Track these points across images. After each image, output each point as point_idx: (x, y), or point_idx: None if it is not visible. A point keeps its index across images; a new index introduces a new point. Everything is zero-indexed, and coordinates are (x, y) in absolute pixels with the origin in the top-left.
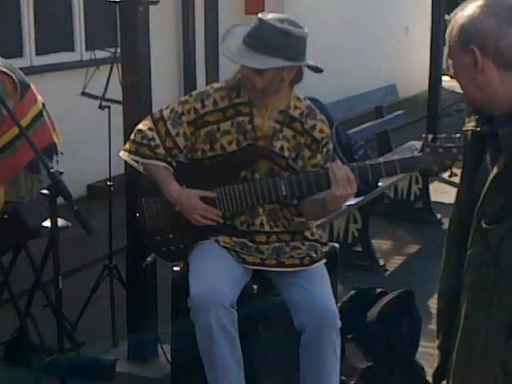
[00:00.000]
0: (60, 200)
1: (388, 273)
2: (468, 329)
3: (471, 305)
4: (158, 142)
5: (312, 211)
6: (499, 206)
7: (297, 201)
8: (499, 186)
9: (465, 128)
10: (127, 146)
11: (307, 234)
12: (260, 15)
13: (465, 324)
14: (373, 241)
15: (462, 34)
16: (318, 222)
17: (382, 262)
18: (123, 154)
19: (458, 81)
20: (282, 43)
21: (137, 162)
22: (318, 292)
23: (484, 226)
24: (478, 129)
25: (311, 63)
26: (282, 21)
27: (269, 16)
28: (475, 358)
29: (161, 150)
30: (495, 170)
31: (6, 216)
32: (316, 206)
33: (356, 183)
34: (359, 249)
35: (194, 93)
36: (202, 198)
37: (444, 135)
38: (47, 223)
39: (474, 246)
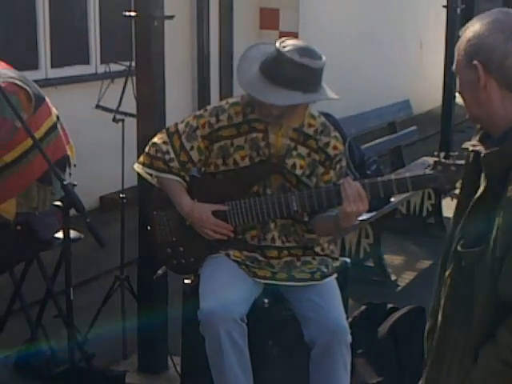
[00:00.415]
0: (72, 211)
1: (399, 288)
2: (439, 350)
3: (443, 326)
4: (172, 155)
5: (324, 228)
6: (476, 230)
7: (308, 217)
8: (478, 210)
9: (463, 146)
10: (141, 159)
11: (317, 249)
12: (278, 45)
13: (437, 344)
14: (385, 256)
15: (468, 49)
16: (330, 238)
17: (393, 277)
18: (137, 167)
19: (462, 96)
20: (301, 77)
21: (150, 175)
22: (329, 307)
23: (459, 248)
24: (471, 148)
25: (328, 95)
26: (300, 53)
27: (287, 47)
28: (441, 379)
29: (175, 164)
30: (478, 194)
31: (18, 227)
32: (328, 223)
33: (367, 200)
34: (371, 264)
35: (209, 107)
36: (214, 212)
37: (456, 153)
38: (59, 234)
39: (451, 268)
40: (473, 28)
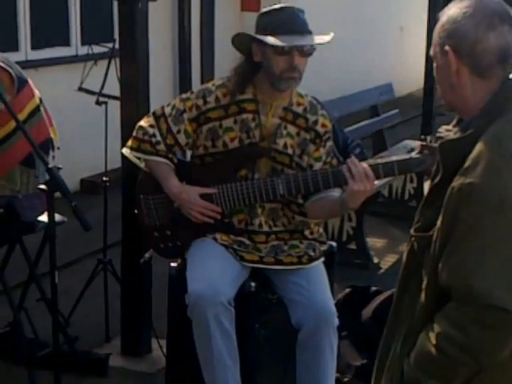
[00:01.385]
0: (55, 194)
1: (382, 271)
2: (389, 328)
3: (394, 305)
4: (159, 138)
5: (323, 209)
6: (430, 215)
7: (302, 199)
8: (434, 197)
9: (438, 131)
10: (129, 143)
11: (306, 232)
12: (266, 10)
13: (388, 322)
14: (367, 239)
15: (441, 34)
16: (319, 221)
17: (376, 260)
18: (125, 151)
19: (437, 81)
20: (306, 20)
21: (139, 158)
22: (316, 291)
23: (412, 232)
24: (437, 134)
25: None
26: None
27: (275, 6)
28: (390, 356)
29: (162, 147)
30: (435, 180)
31: (1, 210)
32: (331, 204)
33: (374, 179)
34: (353, 247)
35: (195, 90)
36: (201, 196)
37: (443, 136)
38: (42, 218)
39: (407, 249)
40: (448, 12)
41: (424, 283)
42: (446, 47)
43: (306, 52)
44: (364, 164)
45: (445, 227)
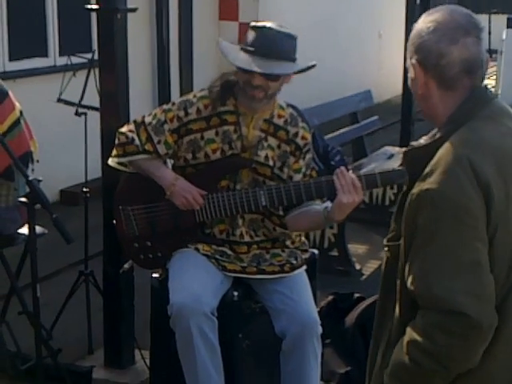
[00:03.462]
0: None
1: (364, 277)
2: (375, 338)
3: (377, 315)
4: (138, 143)
5: (305, 223)
6: (400, 224)
7: (283, 211)
8: (402, 206)
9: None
10: (114, 152)
11: (288, 242)
12: (261, 25)
13: (374, 332)
14: (349, 245)
15: (410, 47)
16: (300, 232)
17: (358, 267)
18: (111, 161)
19: (412, 90)
20: (289, 47)
21: (125, 165)
22: (299, 299)
23: (384, 242)
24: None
25: (309, 63)
26: (279, 25)
27: (264, 23)
28: (376, 366)
29: (143, 149)
30: (403, 189)
31: None
32: (314, 217)
33: (363, 191)
34: (335, 253)
35: (176, 101)
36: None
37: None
38: (23, 230)
39: (384, 258)
40: (417, 26)
41: (397, 293)
42: (413, 61)
43: (271, 77)
44: (352, 174)
45: (407, 235)
